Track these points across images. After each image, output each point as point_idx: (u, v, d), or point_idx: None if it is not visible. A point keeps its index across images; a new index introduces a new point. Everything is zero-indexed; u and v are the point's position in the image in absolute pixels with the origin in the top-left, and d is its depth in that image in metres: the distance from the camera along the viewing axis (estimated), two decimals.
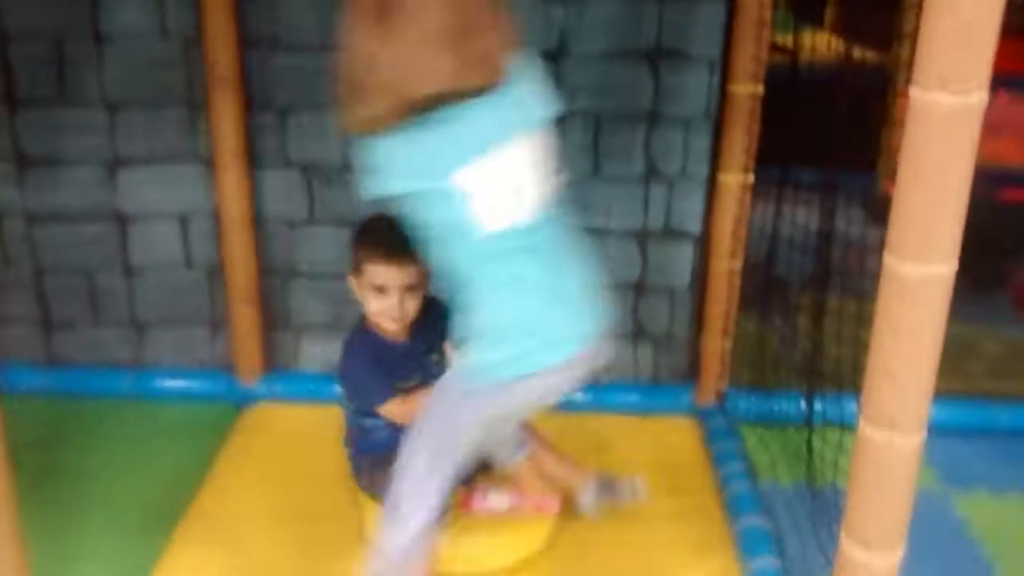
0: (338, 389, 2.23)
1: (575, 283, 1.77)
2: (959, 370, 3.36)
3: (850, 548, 1.50)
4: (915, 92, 1.26)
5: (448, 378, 1.87)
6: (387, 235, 1.98)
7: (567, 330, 1.74)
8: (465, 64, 1.53)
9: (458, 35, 1.51)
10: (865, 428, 1.44)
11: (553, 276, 1.72)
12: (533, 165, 1.67)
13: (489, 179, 1.60)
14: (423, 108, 1.55)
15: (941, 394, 3.08)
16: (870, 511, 1.48)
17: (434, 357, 2.16)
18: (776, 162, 2.61)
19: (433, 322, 2.14)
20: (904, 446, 1.43)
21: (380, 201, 1.65)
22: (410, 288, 2.07)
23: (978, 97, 1.24)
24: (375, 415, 2.14)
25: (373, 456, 2.17)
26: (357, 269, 2.08)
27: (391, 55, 1.54)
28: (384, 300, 2.06)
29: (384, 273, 2.04)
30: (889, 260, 1.34)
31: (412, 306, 2.09)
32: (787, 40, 2.64)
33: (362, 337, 2.15)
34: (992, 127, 4.44)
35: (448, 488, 1.85)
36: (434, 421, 1.83)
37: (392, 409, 2.09)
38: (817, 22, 5.06)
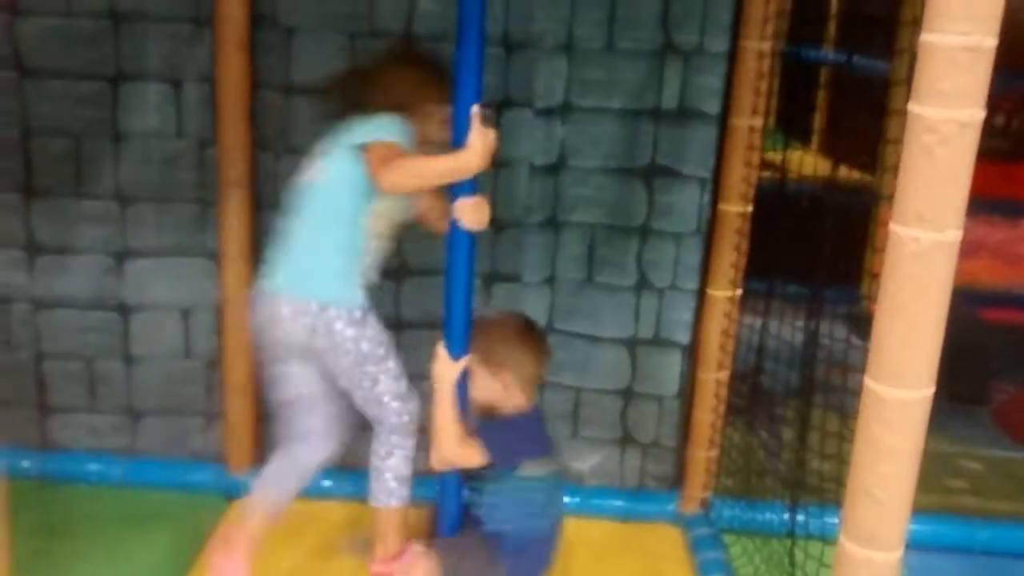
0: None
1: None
2: (940, 487, 3.40)
3: None
4: (894, 227, 1.35)
5: None
6: (544, 338, 2.38)
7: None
8: None
9: None
10: (845, 544, 1.49)
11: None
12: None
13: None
14: None
15: (920, 510, 3.14)
16: None
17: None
18: (764, 276, 2.70)
19: None
20: (883, 563, 1.48)
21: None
22: None
23: (953, 234, 1.33)
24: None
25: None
26: (507, 363, 2.23)
27: None
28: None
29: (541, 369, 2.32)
30: (869, 384, 1.42)
31: None
32: (776, 158, 2.76)
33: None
34: (970, 248, 4.56)
35: None
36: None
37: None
38: (805, 141, 5.25)
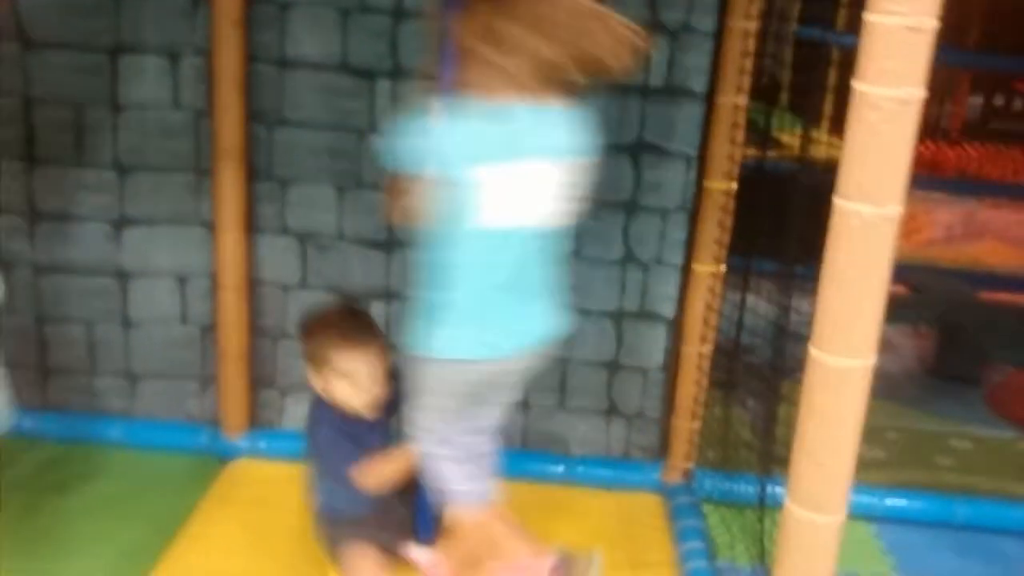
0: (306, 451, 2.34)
1: (542, 290, 1.98)
2: (927, 464, 3.45)
3: None
4: (837, 201, 1.40)
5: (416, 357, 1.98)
6: (351, 325, 2.22)
7: (523, 327, 1.95)
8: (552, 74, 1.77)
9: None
10: (790, 507, 1.55)
11: (525, 279, 1.92)
12: (555, 185, 1.86)
13: (511, 181, 1.80)
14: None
15: (905, 486, 3.20)
16: None
17: (393, 421, 2.28)
18: (772, 253, 2.69)
19: (398, 400, 2.26)
20: (825, 525, 1.53)
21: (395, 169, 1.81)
22: (381, 371, 2.22)
23: (893, 209, 1.37)
24: (340, 480, 2.23)
25: (331, 516, 2.28)
26: (321, 363, 2.20)
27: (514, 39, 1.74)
28: (358, 387, 2.20)
29: (356, 360, 2.18)
30: (813, 352, 1.47)
31: (383, 388, 2.24)
32: (790, 139, 2.75)
33: (327, 414, 2.26)
34: (975, 231, 4.63)
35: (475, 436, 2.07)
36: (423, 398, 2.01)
37: (358, 474, 2.20)
38: (817, 122, 5.26)
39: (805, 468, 1.52)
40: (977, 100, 7.70)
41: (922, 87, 1.33)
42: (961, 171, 5.85)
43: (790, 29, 2.65)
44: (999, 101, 7.84)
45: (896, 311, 4.79)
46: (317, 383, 2.25)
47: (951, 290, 4.78)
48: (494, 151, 1.78)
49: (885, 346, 4.72)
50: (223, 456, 2.92)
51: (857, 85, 1.35)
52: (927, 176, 5.80)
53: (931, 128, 6.30)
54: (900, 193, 1.38)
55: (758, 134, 2.76)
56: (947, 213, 5.55)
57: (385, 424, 2.29)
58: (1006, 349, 4.28)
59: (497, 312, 1.91)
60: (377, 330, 2.27)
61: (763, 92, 2.74)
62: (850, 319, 1.43)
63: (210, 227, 2.83)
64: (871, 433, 3.65)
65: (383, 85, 2.74)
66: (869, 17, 1.32)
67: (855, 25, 1.37)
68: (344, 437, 2.22)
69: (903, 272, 5.19)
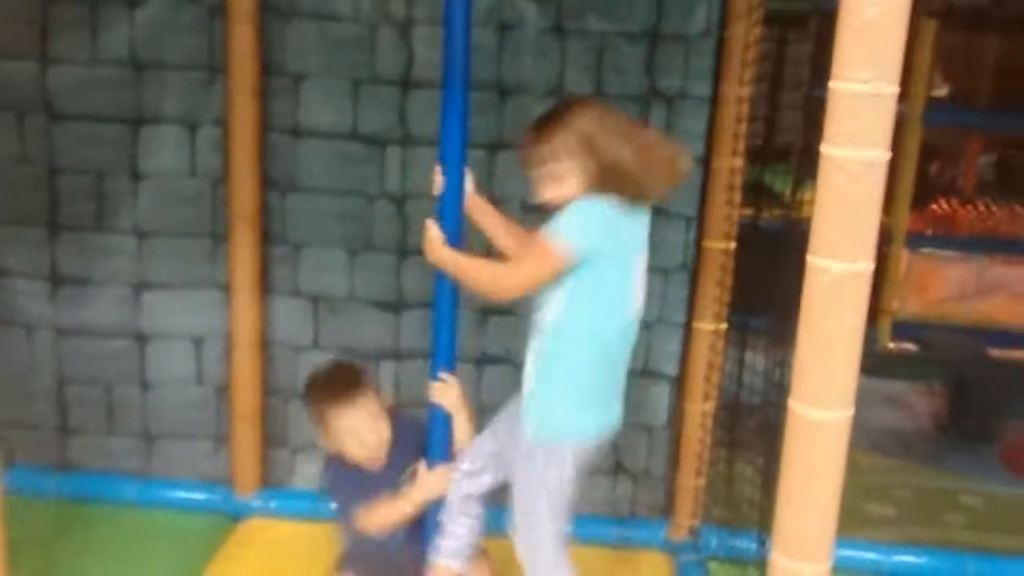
0: (330, 509, 2.41)
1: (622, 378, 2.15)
2: (938, 521, 3.44)
3: None
4: (810, 259, 1.46)
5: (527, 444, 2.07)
6: (334, 381, 2.33)
7: (613, 414, 2.13)
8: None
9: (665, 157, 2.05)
10: (776, 557, 1.58)
11: (620, 368, 2.12)
12: (640, 278, 2.09)
13: (630, 273, 2.05)
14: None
15: (915, 543, 3.18)
16: None
17: (404, 477, 2.32)
18: (778, 312, 2.74)
19: (404, 443, 2.33)
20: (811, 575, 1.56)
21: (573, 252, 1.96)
22: (377, 417, 2.30)
23: (864, 265, 1.43)
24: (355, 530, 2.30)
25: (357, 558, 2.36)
26: (322, 423, 2.31)
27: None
28: (360, 438, 2.29)
29: (348, 415, 2.28)
30: (792, 405, 1.52)
31: (384, 432, 2.32)
32: (789, 196, 2.82)
33: (340, 468, 2.34)
34: (988, 288, 4.63)
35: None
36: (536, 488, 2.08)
37: (362, 520, 2.26)
38: (810, 178, 5.32)
39: (789, 519, 1.55)
40: (990, 159, 7.73)
41: (886, 149, 1.40)
42: (973, 229, 5.88)
43: (795, 93, 2.73)
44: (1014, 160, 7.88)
45: (908, 369, 4.81)
46: (325, 441, 2.34)
47: (963, 348, 4.78)
48: (624, 248, 2.04)
49: (897, 403, 4.74)
50: (235, 515, 2.98)
51: (824, 148, 1.42)
52: (939, 235, 5.83)
53: (944, 188, 6.34)
54: (869, 250, 1.44)
55: (757, 194, 2.84)
56: (959, 271, 5.57)
57: (397, 470, 2.33)
58: (1019, 406, 4.26)
59: (608, 394, 2.12)
60: (364, 380, 2.36)
61: (764, 153, 2.82)
62: (827, 372, 1.48)
63: (225, 290, 2.92)
64: (881, 490, 3.67)
65: (393, 151, 2.84)
66: (833, 84, 1.39)
67: None
68: (355, 490, 2.29)
69: (915, 330, 5.21)
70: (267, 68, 2.80)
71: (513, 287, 2.06)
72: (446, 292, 2.23)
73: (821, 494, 1.53)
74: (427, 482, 2.24)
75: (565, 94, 2.76)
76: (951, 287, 5.53)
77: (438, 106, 2.19)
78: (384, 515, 2.26)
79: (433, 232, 2.12)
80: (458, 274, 2.12)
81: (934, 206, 5.93)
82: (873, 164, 1.40)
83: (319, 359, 2.97)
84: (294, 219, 2.91)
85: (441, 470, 2.24)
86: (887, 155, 1.41)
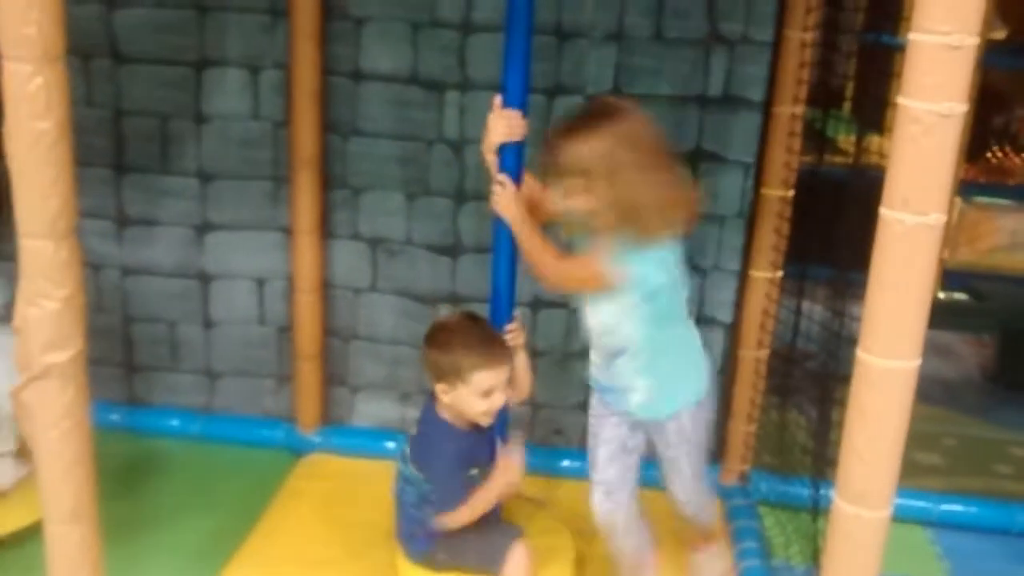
0: (404, 456, 2.36)
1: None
2: (986, 471, 3.44)
3: None
4: (883, 211, 1.47)
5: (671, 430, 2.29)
6: (485, 339, 2.25)
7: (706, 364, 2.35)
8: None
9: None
10: (838, 503, 1.62)
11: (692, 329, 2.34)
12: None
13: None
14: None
15: (964, 492, 3.20)
16: None
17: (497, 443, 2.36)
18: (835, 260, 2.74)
19: None
20: (872, 520, 1.60)
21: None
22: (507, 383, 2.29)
23: (936, 218, 1.44)
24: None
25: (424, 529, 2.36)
26: (457, 377, 2.19)
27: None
28: (491, 401, 2.23)
29: (493, 377, 2.20)
30: (860, 355, 1.54)
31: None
32: (849, 144, 2.79)
33: (447, 431, 2.27)
34: None
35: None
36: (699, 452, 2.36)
37: (455, 517, 2.26)
38: (877, 127, 5.25)
39: (853, 466, 1.59)
40: None
41: (964, 101, 1.40)
42: None
43: (850, 38, 2.70)
44: None
45: (958, 318, 4.77)
46: (441, 391, 2.25)
47: (1014, 298, 4.74)
48: (672, 274, 2.18)
49: (946, 353, 4.71)
50: (298, 450, 3.06)
51: (901, 100, 1.43)
52: (993, 183, 5.74)
53: (999, 134, 6.22)
54: (943, 203, 1.44)
55: (816, 141, 2.82)
56: (1012, 220, 5.49)
57: (491, 442, 2.36)
58: None
59: (699, 353, 2.34)
60: (507, 346, 2.30)
61: (822, 99, 2.79)
62: (896, 323, 1.50)
63: (287, 232, 2.97)
64: (929, 439, 3.69)
65: (452, 96, 2.85)
66: (912, 36, 1.39)
67: None
68: (460, 471, 2.27)
69: (965, 279, 5.16)
70: (328, 12, 2.80)
71: (552, 277, 2.19)
72: (504, 237, 2.27)
73: (885, 443, 1.56)
74: (507, 465, 2.27)
75: (625, 39, 2.76)
76: (1003, 236, 5.45)
77: (498, 50, 2.20)
78: (475, 511, 2.27)
79: (509, 188, 2.18)
80: (516, 235, 2.19)
81: (988, 154, 5.83)
82: (950, 116, 1.40)
83: (377, 301, 3.05)
84: (354, 163, 2.94)
85: (516, 453, 2.27)
86: (964, 107, 1.41)
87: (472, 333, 2.24)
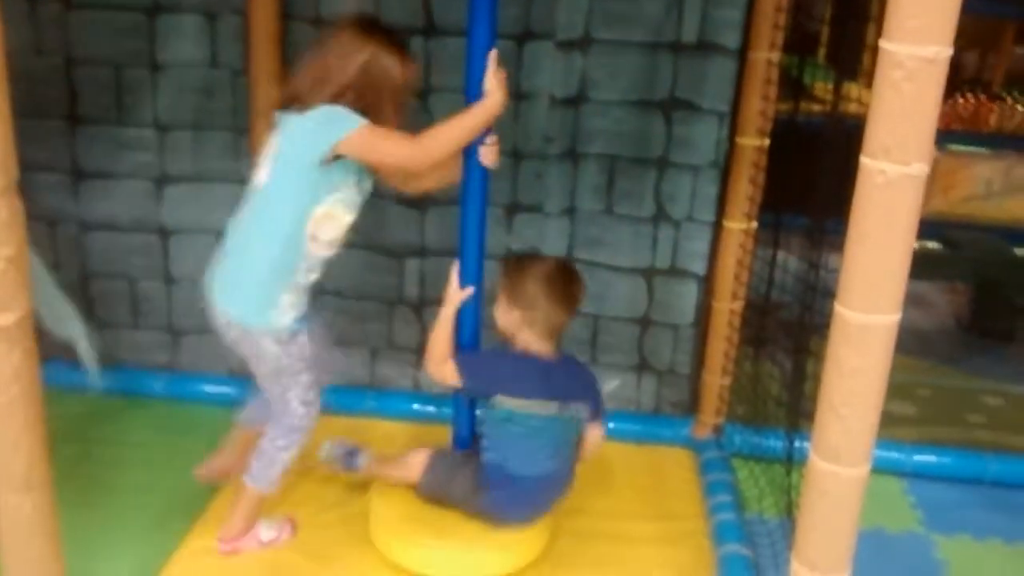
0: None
1: None
2: (959, 420, 3.45)
3: (799, 571, 1.64)
4: (863, 160, 1.41)
5: None
6: (573, 287, 2.32)
7: None
8: None
9: None
10: (814, 459, 1.58)
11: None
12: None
13: None
14: None
15: (936, 443, 3.20)
16: (817, 537, 1.62)
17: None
18: (807, 209, 2.70)
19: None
20: (848, 478, 1.57)
21: None
22: None
23: (918, 168, 1.39)
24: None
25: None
26: (529, 307, 2.25)
27: None
28: (546, 339, 2.30)
29: (564, 315, 2.29)
30: (838, 309, 1.49)
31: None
32: (824, 91, 2.73)
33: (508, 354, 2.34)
34: (1014, 186, 4.55)
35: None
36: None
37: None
38: (853, 74, 5.19)
39: (829, 422, 1.55)
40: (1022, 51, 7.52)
41: (949, 46, 1.34)
42: (1001, 126, 5.75)
43: None
44: None
45: (932, 268, 4.77)
46: (509, 315, 2.28)
47: (987, 247, 4.73)
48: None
49: (920, 303, 4.73)
50: None
51: (883, 44, 1.36)
52: (966, 131, 5.71)
53: (972, 81, 6.17)
54: (925, 152, 1.39)
55: (791, 88, 2.75)
56: (986, 168, 5.47)
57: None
58: None
59: None
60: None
61: (798, 45, 2.72)
62: (875, 276, 1.46)
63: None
64: (902, 389, 3.69)
65: (417, 42, 2.75)
66: None
67: None
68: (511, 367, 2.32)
69: (939, 228, 5.15)
70: None
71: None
72: (474, 188, 2.20)
73: (863, 399, 1.52)
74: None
75: None
76: (978, 185, 5.43)
77: None
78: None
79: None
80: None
81: (960, 100, 5.79)
82: (934, 61, 1.35)
83: (343, 255, 2.95)
84: None
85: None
86: (949, 51, 1.35)
87: (561, 278, 2.31)
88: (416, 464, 2.37)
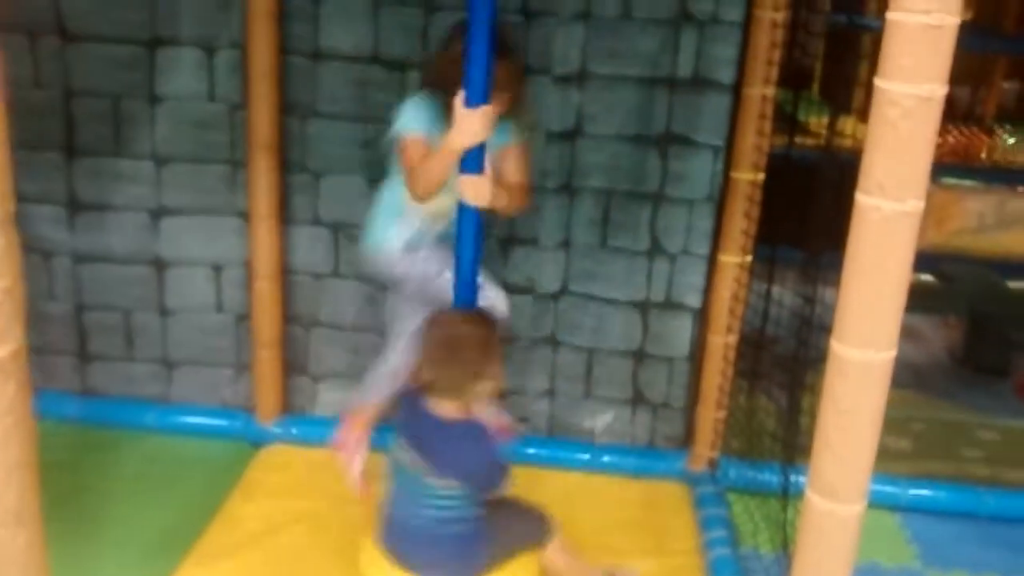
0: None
1: None
2: (954, 455, 3.43)
3: None
4: (858, 196, 1.42)
5: None
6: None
7: None
8: None
9: None
10: (810, 497, 1.57)
11: None
12: None
13: None
14: None
15: (932, 477, 3.19)
16: (813, 574, 1.60)
17: None
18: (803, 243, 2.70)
19: None
20: (845, 515, 1.56)
21: None
22: None
23: (913, 204, 1.39)
24: None
25: None
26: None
27: None
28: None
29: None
30: (834, 345, 1.49)
31: None
32: (817, 126, 2.74)
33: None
34: (1007, 220, 4.55)
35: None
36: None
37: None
38: (846, 109, 5.23)
39: (826, 459, 1.54)
40: (1013, 86, 7.60)
41: (943, 84, 1.35)
42: (994, 159, 5.79)
43: (820, 19, 2.65)
44: None
45: (925, 301, 4.76)
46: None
47: (981, 280, 4.74)
48: None
49: (913, 336, 4.71)
50: (256, 441, 2.99)
51: (878, 82, 1.37)
52: (959, 164, 5.75)
53: (964, 115, 6.22)
54: (921, 189, 1.40)
55: (786, 122, 2.77)
56: (979, 202, 5.49)
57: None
58: None
59: None
60: None
61: (792, 80, 2.74)
62: (871, 313, 1.45)
63: (245, 217, 2.89)
64: (897, 423, 3.68)
65: (414, 77, 2.77)
66: (890, 15, 1.34)
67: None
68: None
69: (932, 261, 5.15)
70: None
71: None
72: (467, 219, 2.21)
73: (859, 436, 1.51)
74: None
75: (592, 18, 2.69)
76: (971, 218, 5.46)
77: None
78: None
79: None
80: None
81: (953, 134, 5.83)
82: (929, 99, 1.35)
83: (339, 287, 2.97)
84: (313, 146, 2.86)
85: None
86: (944, 90, 1.36)
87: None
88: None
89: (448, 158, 2.19)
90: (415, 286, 2.52)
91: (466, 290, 2.28)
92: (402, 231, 2.49)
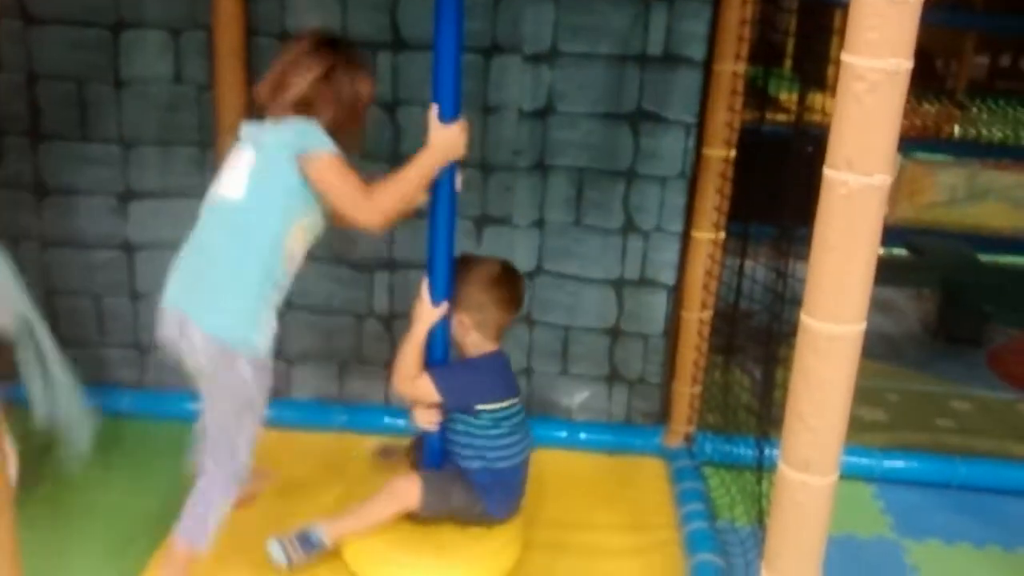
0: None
1: None
2: (928, 425, 3.48)
3: None
4: (827, 171, 1.42)
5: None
6: (517, 288, 2.40)
7: None
8: None
9: None
10: (783, 469, 1.59)
11: None
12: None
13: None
14: None
15: (906, 447, 3.23)
16: (787, 546, 1.62)
17: None
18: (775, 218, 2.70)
19: None
20: (818, 487, 1.57)
21: None
22: None
23: (881, 179, 1.40)
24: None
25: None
26: (479, 309, 2.31)
27: None
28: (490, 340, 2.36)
29: (509, 318, 2.39)
30: (804, 319, 1.50)
31: None
32: (791, 101, 2.74)
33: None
34: (978, 193, 4.63)
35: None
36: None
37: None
38: (819, 85, 5.24)
39: (797, 432, 1.56)
40: (983, 60, 7.66)
41: (909, 58, 1.36)
42: (965, 133, 5.84)
43: None
44: (1005, 62, 7.81)
45: (898, 274, 4.84)
46: (462, 322, 2.32)
47: (953, 253, 4.79)
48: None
49: (887, 308, 4.78)
50: None
51: (845, 56, 1.38)
52: (930, 138, 5.79)
53: (936, 89, 6.27)
54: (887, 163, 1.40)
55: (757, 99, 2.77)
56: (950, 175, 5.55)
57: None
58: (1008, 312, 4.30)
59: None
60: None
61: (763, 56, 2.74)
62: (840, 287, 1.46)
63: None
64: (872, 394, 3.71)
65: (384, 57, 2.75)
66: None
67: None
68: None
69: (905, 235, 5.22)
70: None
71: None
72: (442, 201, 2.19)
73: (831, 408, 1.53)
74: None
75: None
76: (942, 192, 5.51)
77: (430, 8, 2.10)
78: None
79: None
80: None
81: (925, 108, 5.87)
82: (896, 73, 1.36)
83: (310, 268, 2.93)
84: None
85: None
86: (910, 64, 1.36)
87: (507, 279, 2.39)
88: (411, 491, 2.30)
89: (424, 178, 2.10)
90: (245, 404, 2.17)
91: (442, 275, 2.27)
92: (270, 319, 2.14)
